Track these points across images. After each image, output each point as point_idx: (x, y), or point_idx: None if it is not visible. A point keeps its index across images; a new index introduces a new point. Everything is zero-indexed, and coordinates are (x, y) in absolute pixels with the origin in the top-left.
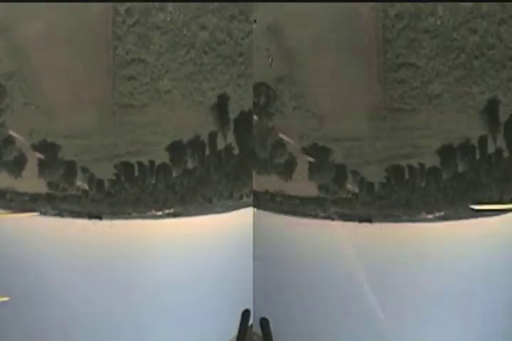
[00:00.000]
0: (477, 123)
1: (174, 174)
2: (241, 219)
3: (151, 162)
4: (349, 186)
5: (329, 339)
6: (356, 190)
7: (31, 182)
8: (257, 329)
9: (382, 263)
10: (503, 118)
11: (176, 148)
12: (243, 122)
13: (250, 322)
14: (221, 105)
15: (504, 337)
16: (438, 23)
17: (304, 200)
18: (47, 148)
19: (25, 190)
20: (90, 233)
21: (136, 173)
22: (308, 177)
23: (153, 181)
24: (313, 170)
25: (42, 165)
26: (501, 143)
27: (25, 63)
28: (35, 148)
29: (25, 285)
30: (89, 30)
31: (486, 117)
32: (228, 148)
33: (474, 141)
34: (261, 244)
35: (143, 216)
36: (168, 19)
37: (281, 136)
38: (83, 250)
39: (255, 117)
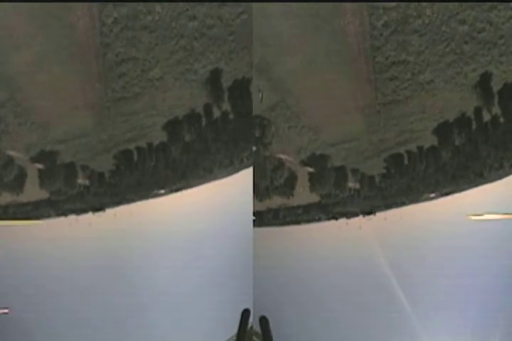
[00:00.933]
0: (470, 97)
1: (173, 152)
2: (241, 182)
3: (149, 144)
4: (350, 184)
5: (328, 337)
6: (357, 186)
7: (33, 193)
8: (257, 328)
9: (391, 252)
10: (496, 88)
11: (172, 126)
12: (237, 89)
13: (250, 320)
14: (214, 78)
15: None
16: (426, 22)
17: (307, 208)
18: (45, 156)
19: (28, 200)
20: (95, 226)
21: (136, 158)
22: (310, 189)
23: (152, 163)
24: (313, 180)
25: (42, 175)
26: (497, 110)
27: (17, 91)
28: (34, 159)
29: (31, 291)
30: (77, 45)
31: (479, 91)
32: (224, 115)
33: (470, 113)
34: (261, 249)
35: (146, 197)
36: (156, 18)
37: (279, 156)
38: (90, 243)
39: (254, 147)
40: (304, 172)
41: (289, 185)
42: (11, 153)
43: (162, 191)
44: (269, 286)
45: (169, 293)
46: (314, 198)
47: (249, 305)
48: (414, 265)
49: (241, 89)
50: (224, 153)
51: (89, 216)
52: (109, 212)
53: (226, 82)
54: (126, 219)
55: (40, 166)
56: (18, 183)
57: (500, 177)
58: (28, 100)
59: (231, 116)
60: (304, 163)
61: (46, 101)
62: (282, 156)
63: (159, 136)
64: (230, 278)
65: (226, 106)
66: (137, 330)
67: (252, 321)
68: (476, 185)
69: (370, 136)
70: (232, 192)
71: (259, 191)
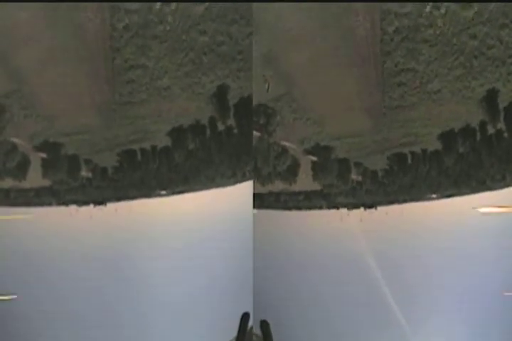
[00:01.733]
0: (477, 111)
1: (176, 157)
2: (242, 192)
3: (153, 147)
4: (353, 176)
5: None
6: (360, 179)
7: (36, 181)
8: (258, 332)
9: (390, 252)
10: (502, 105)
11: (177, 133)
12: (243, 106)
13: (250, 324)
14: (221, 94)
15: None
16: (437, 32)
17: (309, 194)
18: (49, 147)
19: (30, 186)
20: (96, 219)
21: (139, 158)
22: (313, 178)
23: (155, 165)
24: (316, 169)
25: (45, 164)
26: (501, 126)
27: (24, 84)
28: (38, 148)
29: (31, 279)
30: (87, 47)
31: (485, 105)
32: (229, 129)
33: (475, 125)
34: (261, 240)
35: (148, 196)
36: (168, 28)
37: (283, 143)
38: (89, 237)
39: (257, 133)
40: (307, 161)
41: (292, 171)
42: (15, 140)
43: (164, 192)
44: (269, 285)
45: (167, 292)
46: (316, 186)
47: (249, 309)
48: (411, 261)
49: (246, 107)
50: (227, 165)
51: (90, 208)
52: (110, 206)
53: (232, 99)
54: (126, 215)
55: (43, 155)
56: (21, 170)
57: (502, 187)
58: (34, 94)
59: (235, 131)
60: (308, 152)
61: (52, 97)
62: (286, 143)
63: (163, 141)
64: (230, 280)
65: (231, 121)
66: (139, 324)
67: (252, 324)
68: (478, 191)
69: (374, 135)
70: (232, 199)
71: (261, 176)
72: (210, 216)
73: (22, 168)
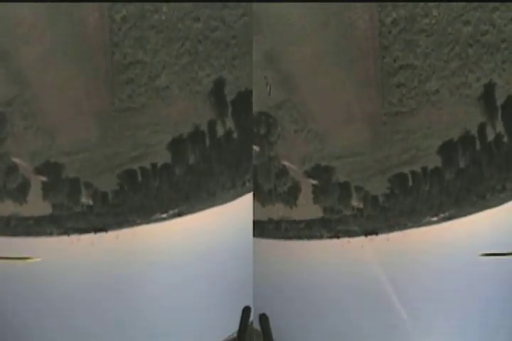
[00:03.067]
0: (475, 111)
1: (177, 172)
2: (242, 208)
3: (153, 165)
4: (354, 203)
5: (329, 335)
6: (361, 206)
7: (36, 206)
8: (257, 326)
9: (392, 272)
10: (499, 101)
11: (177, 145)
12: (241, 102)
13: (251, 318)
14: (218, 90)
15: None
16: (433, 22)
17: (309, 223)
18: (50, 169)
19: (30, 214)
20: (97, 246)
21: (140, 179)
22: (313, 201)
23: (156, 184)
24: (317, 192)
25: (46, 188)
26: (500, 128)
27: (26, 87)
28: (38, 171)
29: (35, 310)
30: (87, 43)
31: (483, 103)
32: (228, 133)
33: (474, 132)
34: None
35: (148, 221)
36: (163, 18)
37: (283, 163)
38: (92, 264)
39: (257, 148)
40: (307, 184)
41: (293, 194)
42: (16, 160)
43: (164, 215)
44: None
45: (168, 299)
46: (318, 213)
47: (250, 303)
48: (414, 285)
49: (244, 103)
50: (227, 175)
51: (92, 236)
52: (112, 233)
53: (229, 95)
54: (128, 241)
55: (43, 179)
56: (21, 193)
57: (502, 202)
58: (35, 100)
59: (235, 135)
60: (308, 175)
61: (53, 104)
62: (286, 163)
63: (164, 157)
64: (231, 276)
65: (230, 123)
66: (134, 328)
67: (253, 318)
68: (479, 209)
69: (376, 151)
70: (232, 217)
71: (261, 194)
72: (211, 237)
73: (22, 191)
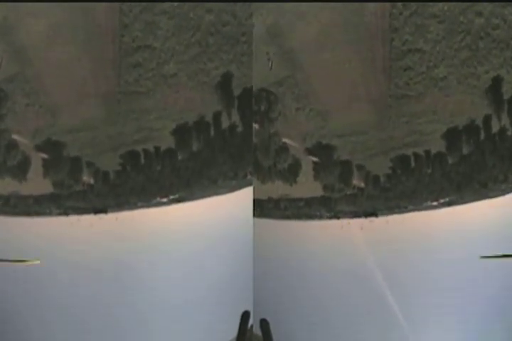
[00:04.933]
0: (481, 103)
1: (180, 158)
2: (241, 201)
3: (157, 148)
4: (355, 182)
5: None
6: (362, 185)
7: (36, 184)
8: (257, 331)
9: (391, 259)
10: (506, 95)
11: (181, 132)
12: (247, 99)
13: (250, 323)
14: (225, 83)
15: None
16: (445, 8)
17: (309, 201)
18: (51, 146)
19: (30, 193)
20: (97, 228)
21: (142, 161)
22: (314, 178)
23: (159, 167)
24: (318, 169)
25: (46, 165)
26: (506, 121)
27: (28, 64)
28: (39, 148)
29: (30, 291)
30: (94, 22)
31: (489, 96)
32: (232, 127)
33: (479, 122)
34: (262, 245)
35: (148, 204)
36: (175, 4)
37: (284, 140)
38: (90, 247)
39: (256, 126)
40: (308, 161)
41: (293, 171)
42: (16, 137)
43: (164, 200)
44: (270, 288)
45: (167, 295)
46: (318, 191)
47: (249, 307)
48: (410, 271)
49: (248, 100)
50: (229, 165)
51: (91, 217)
52: (111, 215)
53: (236, 89)
54: (127, 224)
55: (44, 156)
56: (21, 170)
57: (503, 193)
58: (37, 78)
59: (239, 129)
60: (309, 152)
61: (56, 83)
62: (287, 141)
63: (167, 141)
64: (230, 280)
65: (235, 117)
66: (140, 330)
67: (253, 323)
68: (480, 197)
69: (379, 132)
70: (232, 207)
71: (261, 170)
72: (211, 223)
73: (22, 168)
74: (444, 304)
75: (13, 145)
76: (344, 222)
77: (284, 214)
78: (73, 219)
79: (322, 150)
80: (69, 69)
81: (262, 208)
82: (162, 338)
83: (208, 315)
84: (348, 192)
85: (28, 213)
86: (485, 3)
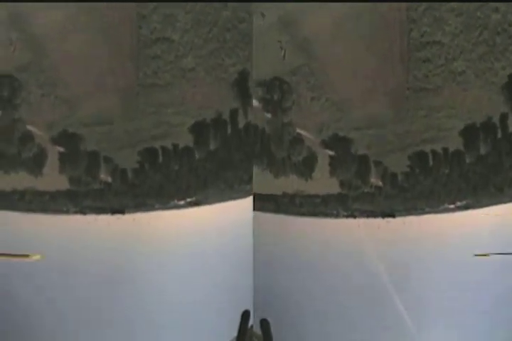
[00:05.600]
0: (498, 99)
1: (197, 156)
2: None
3: (175, 146)
4: (372, 180)
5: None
6: (380, 183)
7: (52, 179)
8: (258, 330)
9: (403, 260)
10: None
11: (199, 129)
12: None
13: (250, 323)
14: (242, 81)
15: None
16: (462, 3)
17: (326, 198)
18: (68, 139)
19: (46, 189)
20: (114, 228)
21: (160, 159)
22: (330, 174)
23: (176, 167)
24: (334, 164)
25: (63, 159)
26: None
27: (43, 54)
28: (55, 141)
29: (43, 288)
30: (113, 13)
31: (506, 93)
32: (248, 126)
33: (496, 120)
34: (262, 243)
35: (165, 207)
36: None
37: (298, 131)
38: (107, 250)
39: (268, 115)
40: (324, 155)
41: (308, 165)
42: (31, 128)
43: (182, 202)
44: (270, 287)
45: (168, 298)
46: (334, 188)
47: (249, 307)
48: (422, 273)
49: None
50: (246, 167)
51: (108, 217)
52: (128, 216)
53: (252, 88)
54: (144, 225)
55: (61, 149)
56: (37, 164)
57: None
58: (53, 68)
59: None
60: (326, 145)
61: (73, 73)
62: (302, 132)
63: (185, 139)
64: (230, 280)
65: (251, 116)
66: (134, 327)
67: (253, 322)
68: (495, 202)
69: (397, 126)
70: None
71: (274, 164)
72: (219, 226)
73: (38, 162)
74: (454, 305)
75: (28, 137)
76: (361, 221)
77: (299, 210)
78: (90, 218)
79: (339, 143)
80: (86, 61)
81: (277, 203)
82: (162, 338)
83: (207, 315)
84: (366, 190)
85: (44, 210)
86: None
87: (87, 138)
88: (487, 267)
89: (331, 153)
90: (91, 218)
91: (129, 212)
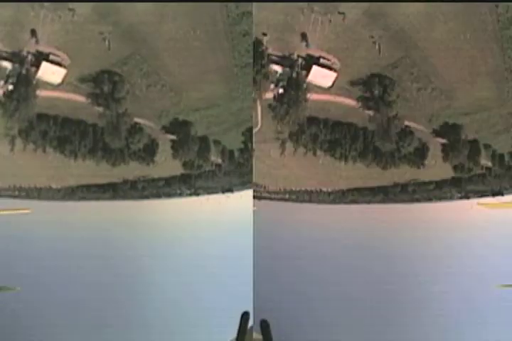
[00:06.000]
0: None
1: None
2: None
3: None
4: (483, 161)
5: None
6: (489, 164)
7: (165, 166)
8: (258, 331)
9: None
10: None
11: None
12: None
13: (250, 324)
14: None
15: None
16: None
17: (439, 184)
18: (178, 126)
19: (160, 175)
20: (224, 206)
21: None
22: (443, 160)
23: None
24: (447, 151)
25: (175, 146)
26: None
27: (142, 43)
28: (167, 130)
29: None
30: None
31: None
32: None
33: None
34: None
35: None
36: None
37: (407, 123)
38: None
39: (371, 112)
40: (435, 144)
41: (420, 155)
42: (139, 120)
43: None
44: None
45: (168, 299)
46: (448, 173)
47: (249, 308)
48: None
49: None
50: None
51: (220, 196)
52: (237, 193)
53: None
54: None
55: (173, 137)
56: (148, 154)
57: None
58: (156, 56)
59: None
60: (437, 134)
61: (174, 59)
62: (411, 124)
63: None
64: (230, 279)
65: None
66: (134, 327)
67: (253, 323)
68: None
69: (500, 108)
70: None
71: (383, 156)
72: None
73: (150, 151)
74: None
75: (136, 129)
76: (473, 202)
77: (412, 197)
78: (203, 198)
79: (449, 131)
80: (184, 43)
81: (386, 193)
82: (162, 338)
83: (208, 314)
84: (478, 172)
85: (157, 195)
86: None
87: (196, 123)
88: None
89: (443, 141)
90: (203, 198)
91: (237, 190)
